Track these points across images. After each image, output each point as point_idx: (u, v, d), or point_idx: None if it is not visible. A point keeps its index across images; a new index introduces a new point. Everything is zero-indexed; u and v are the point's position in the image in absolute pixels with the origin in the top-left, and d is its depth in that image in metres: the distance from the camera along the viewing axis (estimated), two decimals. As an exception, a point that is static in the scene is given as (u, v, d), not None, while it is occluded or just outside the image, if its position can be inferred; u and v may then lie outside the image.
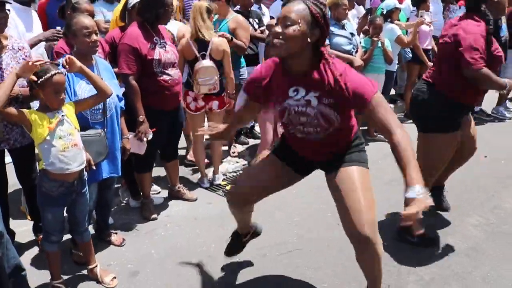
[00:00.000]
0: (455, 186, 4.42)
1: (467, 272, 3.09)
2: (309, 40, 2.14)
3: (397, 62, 5.91)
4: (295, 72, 2.27)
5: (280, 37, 2.12)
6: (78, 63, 2.63)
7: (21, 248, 3.34)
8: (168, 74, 3.54)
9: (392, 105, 6.98)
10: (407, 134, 2.12)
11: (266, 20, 5.51)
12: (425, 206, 1.88)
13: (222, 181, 4.64)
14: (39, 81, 2.46)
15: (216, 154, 4.56)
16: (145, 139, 3.46)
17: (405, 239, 3.40)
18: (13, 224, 3.42)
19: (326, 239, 3.48)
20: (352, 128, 2.51)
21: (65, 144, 2.54)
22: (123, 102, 3.21)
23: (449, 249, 3.36)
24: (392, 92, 7.49)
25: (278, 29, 2.13)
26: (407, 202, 1.93)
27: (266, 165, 2.68)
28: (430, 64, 6.18)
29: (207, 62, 3.98)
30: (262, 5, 5.90)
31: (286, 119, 2.38)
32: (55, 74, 2.47)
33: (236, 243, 3.08)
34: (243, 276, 3.07)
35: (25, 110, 2.54)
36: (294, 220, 3.78)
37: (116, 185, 4.21)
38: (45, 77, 2.45)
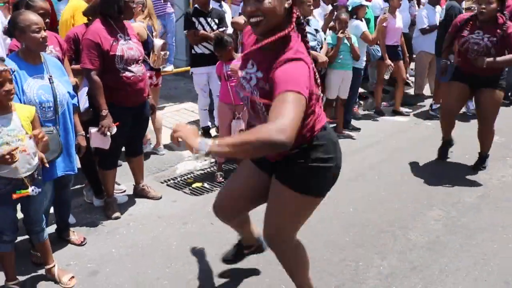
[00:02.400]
0: (418, 180, 4.49)
1: (426, 265, 3.13)
2: (286, 5, 1.96)
3: (365, 59, 5.94)
4: (261, 45, 2.03)
5: (257, 14, 1.92)
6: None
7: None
8: (130, 71, 3.50)
9: (362, 102, 7.03)
10: (279, 128, 1.69)
11: (228, 18, 5.41)
12: (189, 144, 1.77)
13: (189, 179, 4.62)
14: None
15: (156, 125, 4.94)
16: (108, 133, 3.41)
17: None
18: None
19: (309, 235, 3.47)
20: (305, 126, 2.10)
21: None
22: (76, 99, 3.16)
23: (409, 243, 3.40)
24: (362, 90, 7.56)
25: (251, 7, 1.92)
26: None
27: (239, 172, 2.58)
28: (389, 62, 6.25)
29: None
30: (224, 3, 5.76)
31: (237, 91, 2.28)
32: None
33: (235, 252, 2.98)
34: (205, 274, 3.06)
35: None
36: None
37: (80, 185, 4.17)
38: None
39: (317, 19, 5.47)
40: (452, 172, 4.70)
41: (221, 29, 5.05)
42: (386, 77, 6.42)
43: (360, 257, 3.20)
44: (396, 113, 6.79)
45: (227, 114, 4.46)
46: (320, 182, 2.23)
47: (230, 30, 5.30)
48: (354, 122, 6.20)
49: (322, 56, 4.92)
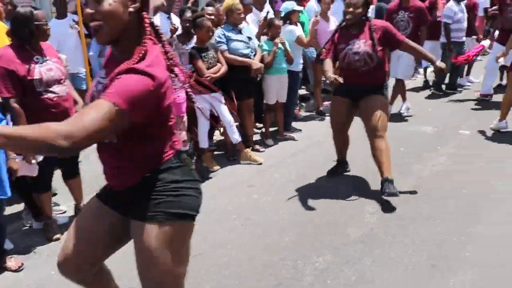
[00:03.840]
0: (358, 175, 4.66)
1: (359, 258, 3.26)
2: (130, 8, 1.74)
3: (301, 62, 6.10)
4: (117, 58, 1.81)
5: (96, 18, 1.71)
6: None
7: None
8: (52, 92, 3.47)
9: (303, 104, 7.21)
10: (68, 133, 1.52)
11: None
12: None
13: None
14: None
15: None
16: (34, 161, 3.37)
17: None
18: None
19: (228, 241, 3.55)
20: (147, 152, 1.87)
21: None
22: (4, 122, 3.12)
23: (345, 238, 3.53)
24: (305, 91, 7.75)
25: (90, 8, 1.72)
26: None
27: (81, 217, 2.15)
28: None
29: None
30: (173, 15, 5.62)
31: None
32: None
33: None
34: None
35: None
36: (199, 222, 3.81)
37: (19, 210, 4.10)
38: None
39: (250, 26, 5.57)
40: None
41: None
42: None
43: (299, 256, 3.31)
44: (336, 112, 6.98)
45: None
46: (186, 202, 1.92)
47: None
48: (296, 124, 6.35)
49: (256, 63, 5.02)
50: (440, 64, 4.13)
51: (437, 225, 3.68)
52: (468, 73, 8.74)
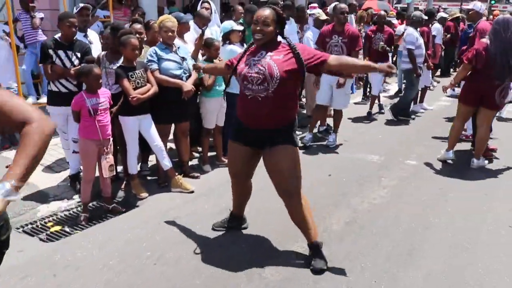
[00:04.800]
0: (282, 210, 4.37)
1: (275, 306, 2.97)
2: None
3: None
4: None
5: None
6: None
7: None
8: None
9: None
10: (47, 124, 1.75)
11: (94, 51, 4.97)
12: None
13: (49, 221, 4.23)
14: None
15: None
16: None
17: None
18: None
19: (134, 283, 3.20)
20: None
21: None
22: None
23: (262, 282, 3.23)
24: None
25: None
26: None
27: None
28: None
29: None
30: (90, 32, 5.33)
31: None
32: None
33: None
34: None
35: None
36: (109, 259, 3.47)
37: None
38: None
39: (189, 45, 5.29)
40: (324, 197, 4.63)
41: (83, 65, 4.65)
42: None
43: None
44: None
45: (93, 151, 4.16)
46: None
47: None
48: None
49: (186, 85, 4.71)
50: (381, 66, 3.34)
51: (366, 268, 3.42)
52: (421, 100, 8.67)
